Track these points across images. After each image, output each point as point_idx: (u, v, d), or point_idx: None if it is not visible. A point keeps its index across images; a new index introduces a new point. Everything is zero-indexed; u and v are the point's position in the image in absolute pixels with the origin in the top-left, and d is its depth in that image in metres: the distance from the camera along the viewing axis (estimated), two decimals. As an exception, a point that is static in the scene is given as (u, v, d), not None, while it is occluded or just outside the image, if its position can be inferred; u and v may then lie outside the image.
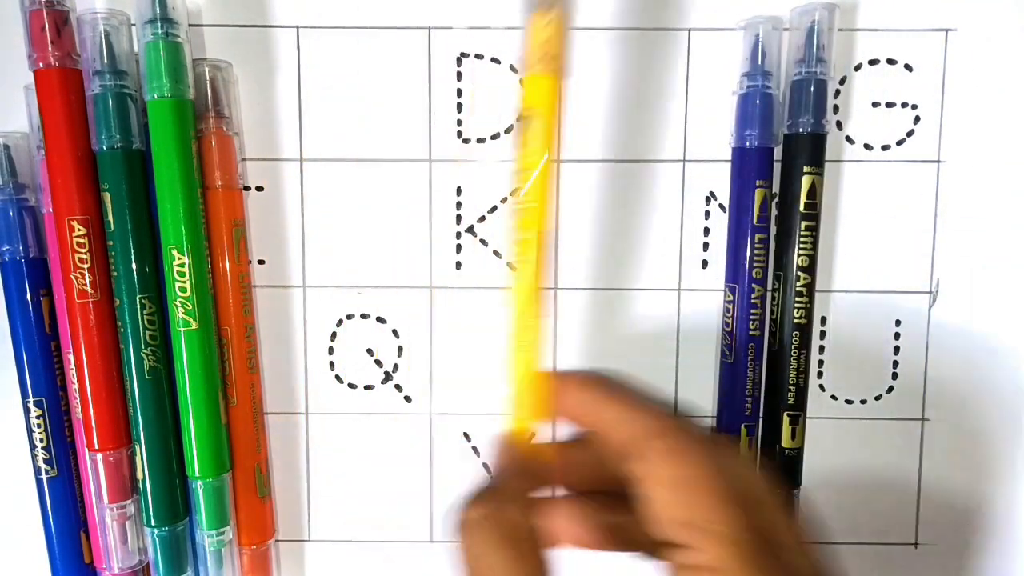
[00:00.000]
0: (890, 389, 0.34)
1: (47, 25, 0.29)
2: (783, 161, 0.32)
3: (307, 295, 0.33)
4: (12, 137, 0.32)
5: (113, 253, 0.30)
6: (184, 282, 0.30)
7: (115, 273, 0.30)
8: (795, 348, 0.31)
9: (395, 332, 0.34)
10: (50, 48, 0.29)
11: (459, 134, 0.33)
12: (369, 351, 0.34)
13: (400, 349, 0.34)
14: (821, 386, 0.34)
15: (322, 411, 0.34)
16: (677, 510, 0.24)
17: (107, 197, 0.30)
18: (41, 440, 0.32)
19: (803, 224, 0.31)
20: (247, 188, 0.33)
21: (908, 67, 0.32)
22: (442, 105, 0.33)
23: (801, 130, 0.31)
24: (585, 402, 0.27)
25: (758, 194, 0.31)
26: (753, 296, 0.31)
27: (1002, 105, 0.32)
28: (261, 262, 0.33)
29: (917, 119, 0.33)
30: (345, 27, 0.32)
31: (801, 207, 0.31)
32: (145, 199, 0.30)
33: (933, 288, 0.33)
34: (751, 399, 0.32)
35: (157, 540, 0.31)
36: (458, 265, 0.33)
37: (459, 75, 0.33)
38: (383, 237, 0.33)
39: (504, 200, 0.33)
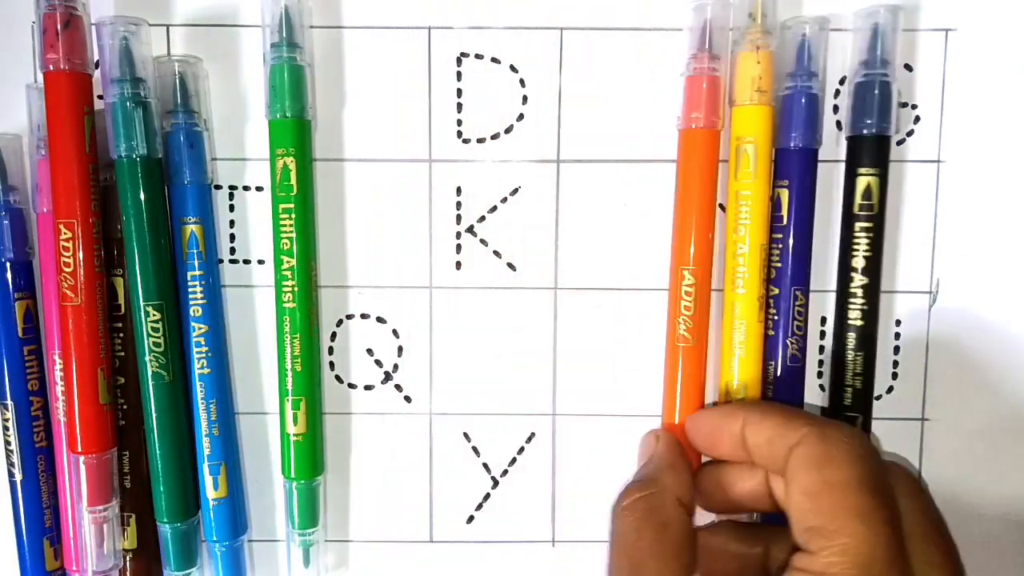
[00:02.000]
0: (890, 389, 0.34)
1: (59, 28, 0.29)
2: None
3: (307, 295, 0.33)
4: (4, 138, 0.32)
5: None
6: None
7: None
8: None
9: (395, 332, 0.34)
10: (62, 52, 0.29)
11: (459, 134, 0.33)
12: (369, 351, 0.34)
13: (400, 349, 0.34)
14: (821, 386, 0.34)
15: (322, 411, 0.34)
16: (809, 517, 0.24)
17: (125, 204, 0.30)
18: (7, 443, 0.32)
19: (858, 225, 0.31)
20: (247, 188, 0.33)
21: (908, 67, 0.32)
22: (442, 105, 0.33)
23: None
24: (725, 427, 0.28)
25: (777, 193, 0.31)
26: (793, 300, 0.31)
27: (1002, 105, 0.32)
28: (261, 262, 0.33)
29: (917, 119, 0.33)
30: (345, 27, 0.32)
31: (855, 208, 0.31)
32: (164, 207, 0.31)
33: (933, 288, 0.33)
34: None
35: (169, 535, 0.32)
36: (458, 265, 0.33)
37: (459, 75, 0.33)
38: (383, 237, 0.33)
39: (504, 200, 0.33)
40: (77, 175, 0.30)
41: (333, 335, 0.34)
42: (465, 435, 0.34)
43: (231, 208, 0.33)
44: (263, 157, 0.33)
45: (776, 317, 0.31)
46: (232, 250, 0.33)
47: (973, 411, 0.34)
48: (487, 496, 0.34)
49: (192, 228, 0.31)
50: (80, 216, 0.30)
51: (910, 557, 0.24)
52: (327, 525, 0.34)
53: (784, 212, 0.31)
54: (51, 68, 0.29)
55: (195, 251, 0.31)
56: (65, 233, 0.30)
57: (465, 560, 0.35)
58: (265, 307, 0.33)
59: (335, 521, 0.35)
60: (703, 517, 0.30)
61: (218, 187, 0.33)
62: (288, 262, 0.31)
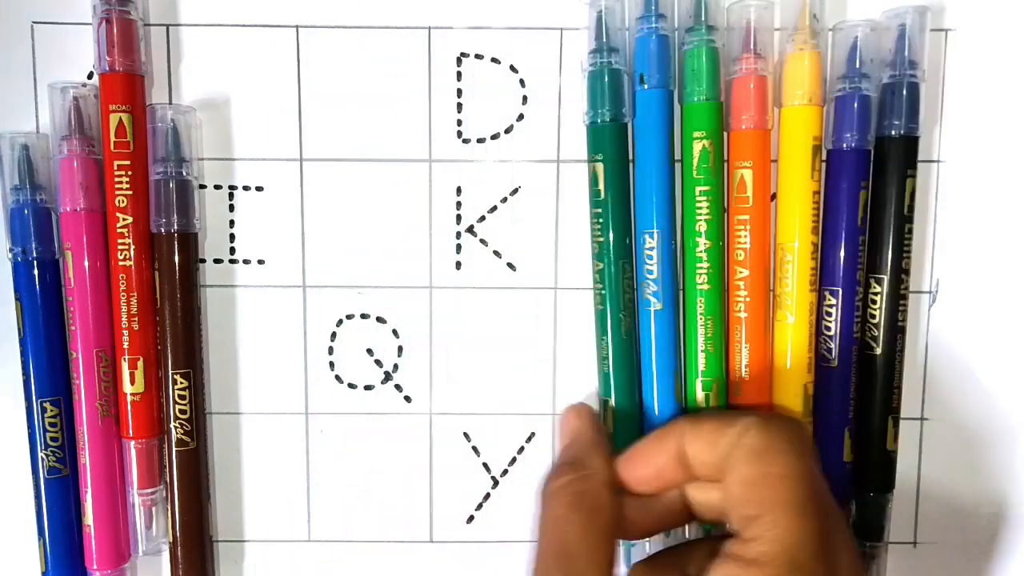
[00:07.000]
0: (890, 389, 0.34)
1: (115, 31, 0.30)
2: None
3: (307, 295, 0.34)
4: (30, 137, 0.32)
5: (601, 222, 0.31)
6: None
7: (601, 240, 0.31)
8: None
9: (395, 332, 0.34)
10: (116, 54, 0.30)
11: (459, 134, 0.33)
12: (369, 351, 0.34)
13: (400, 349, 0.34)
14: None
15: (322, 411, 0.34)
16: (747, 506, 0.25)
17: (599, 168, 0.31)
18: (55, 440, 0.32)
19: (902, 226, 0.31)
20: (247, 188, 0.33)
21: (908, 67, 0.32)
22: (442, 105, 0.33)
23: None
24: (662, 451, 0.28)
25: (861, 195, 0.31)
26: (856, 299, 0.31)
27: (1002, 105, 0.32)
28: (261, 262, 0.33)
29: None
30: (345, 27, 0.32)
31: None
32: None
33: (933, 288, 0.33)
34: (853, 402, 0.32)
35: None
36: (458, 265, 0.33)
37: (459, 75, 0.33)
38: (383, 237, 0.33)
39: (504, 200, 0.33)
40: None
41: (333, 335, 0.34)
42: (465, 435, 0.34)
43: (231, 208, 0.33)
44: (263, 157, 0.33)
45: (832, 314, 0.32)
46: (232, 250, 0.33)
47: (973, 411, 0.34)
48: (487, 496, 0.35)
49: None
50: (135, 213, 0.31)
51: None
52: (327, 525, 0.34)
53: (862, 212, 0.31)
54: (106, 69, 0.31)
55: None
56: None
57: (465, 560, 0.35)
58: (264, 307, 0.33)
59: (336, 522, 0.35)
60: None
61: (218, 187, 0.33)
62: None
